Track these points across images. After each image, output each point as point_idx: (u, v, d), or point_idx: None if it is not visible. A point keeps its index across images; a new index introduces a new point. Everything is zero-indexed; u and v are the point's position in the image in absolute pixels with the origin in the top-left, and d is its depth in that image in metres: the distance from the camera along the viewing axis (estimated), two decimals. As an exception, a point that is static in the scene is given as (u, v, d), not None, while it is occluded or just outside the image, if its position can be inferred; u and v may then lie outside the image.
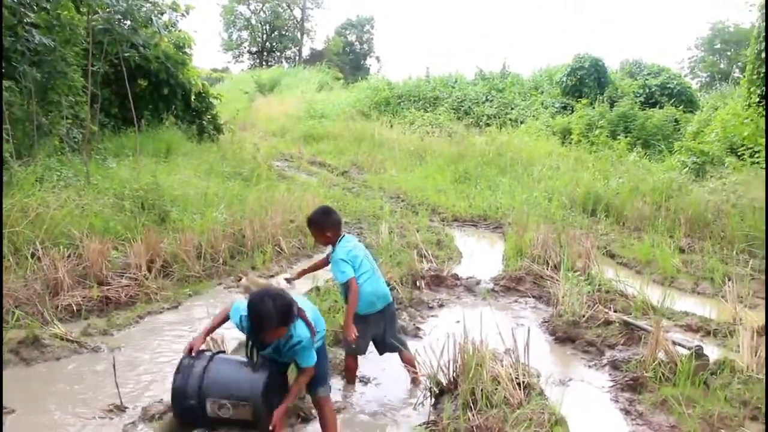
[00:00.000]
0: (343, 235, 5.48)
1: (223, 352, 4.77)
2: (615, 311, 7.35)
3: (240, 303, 4.39)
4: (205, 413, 4.20)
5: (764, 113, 15.77)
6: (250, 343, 4.37)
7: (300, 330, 4.17)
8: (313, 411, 4.96)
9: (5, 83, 9.52)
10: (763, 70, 16.25)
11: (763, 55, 16.28)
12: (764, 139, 14.25)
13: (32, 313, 6.65)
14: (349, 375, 5.68)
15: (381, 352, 5.70)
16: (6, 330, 6.16)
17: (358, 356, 5.64)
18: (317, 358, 4.37)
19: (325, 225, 5.42)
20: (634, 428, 5.02)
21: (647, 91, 25.30)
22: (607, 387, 5.78)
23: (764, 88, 16.23)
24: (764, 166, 13.29)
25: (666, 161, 16.92)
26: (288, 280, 5.85)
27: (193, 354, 4.37)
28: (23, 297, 6.83)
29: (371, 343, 5.60)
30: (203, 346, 4.65)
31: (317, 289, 7.92)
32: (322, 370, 4.58)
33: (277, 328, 4.01)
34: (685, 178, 14.05)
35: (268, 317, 3.95)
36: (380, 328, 5.52)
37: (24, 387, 5.33)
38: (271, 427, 4.13)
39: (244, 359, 4.42)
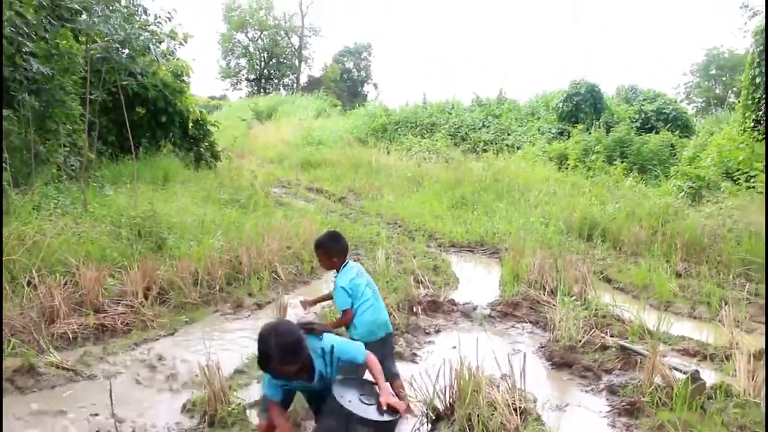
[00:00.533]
0: (347, 262, 5.51)
1: None
2: (612, 336, 7.34)
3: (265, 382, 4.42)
4: None
5: (760, 137, 15.87)
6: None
7: (327, 339, 4.24)
8: None
9: (3, 112, 9.56)
10: (758, 95, 16.38)
11: (758, 80, 16.43)
12: (761, 164, 14.32)
13: (28, 341, 6.67)
14: None
15: None
16: (2, 358, 6.16)
17: None
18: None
19: (332, 250, 5.49)
20: (631, 453, 5.01)
21: (643, 116, 25.45)
22: (604, 412, 5.76)
23: (758, 113, 16.35)
24: (762, 190, 13.33)
25: (662, 186, 16.95)
26: (303, 305, 5.84)
27: None
28: (19, 325, 6.84)
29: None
30: None
31: (314, 315, 7.92)
32: None
33: (280, 364, 3.97)
34: (681, 202, 14.08)
35: (267, 354, 3.95)
36: (378, 357, 5.50)
37: (18, 416, 5.31)
38: (385, 407, 4.09)
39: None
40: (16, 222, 8.60)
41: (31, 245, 8.23)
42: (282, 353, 3.92)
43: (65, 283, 7.77)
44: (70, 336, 7.04)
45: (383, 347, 5.48)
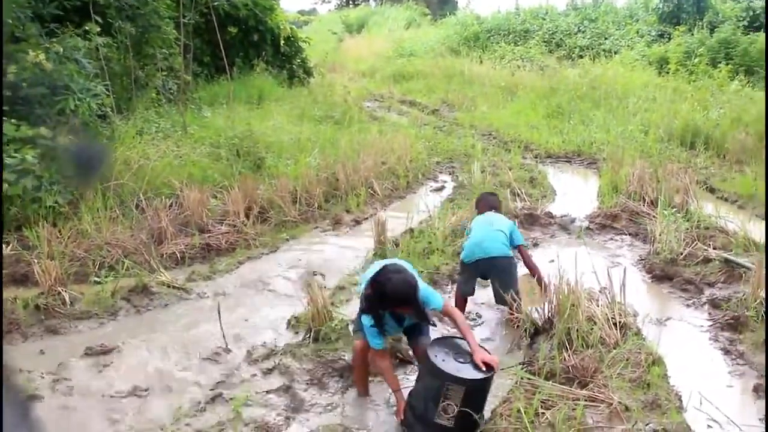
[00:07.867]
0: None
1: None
2: (715, 248, 7.18)
3: (362, 318, 4.43)
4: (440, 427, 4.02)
5: None
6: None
7: None
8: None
9: (103, 39, 9.78)
10: None
11: None
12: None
13: (140, 262, 6.95)
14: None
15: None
16: (117, 278, 6.49)
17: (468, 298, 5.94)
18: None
19: (477, 205, 6.43)
20: (734, 368, 4.95)
21: (752, 13, 23.88)
22: (707, 326, 5.68)
23: None
24: None
25: (770, 89, 16.14)
26: None
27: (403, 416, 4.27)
28: (131, 247, 7.14)
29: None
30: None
31: (411, 231, 8.01)
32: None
33: (402, 305, 4.13)
34: (791, 106, 13.42)
35: (413, 288, 4.07)
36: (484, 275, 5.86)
37: (134, 333, 5.61)
38: (483, 366, 4.00)
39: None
40: (122, 147, 8.90)
41: (136, 169, 8.54)
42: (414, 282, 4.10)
43: (170, 205, 8.07)
44: (178, 256, 7.34)
45: (482, 269, 5.76)
